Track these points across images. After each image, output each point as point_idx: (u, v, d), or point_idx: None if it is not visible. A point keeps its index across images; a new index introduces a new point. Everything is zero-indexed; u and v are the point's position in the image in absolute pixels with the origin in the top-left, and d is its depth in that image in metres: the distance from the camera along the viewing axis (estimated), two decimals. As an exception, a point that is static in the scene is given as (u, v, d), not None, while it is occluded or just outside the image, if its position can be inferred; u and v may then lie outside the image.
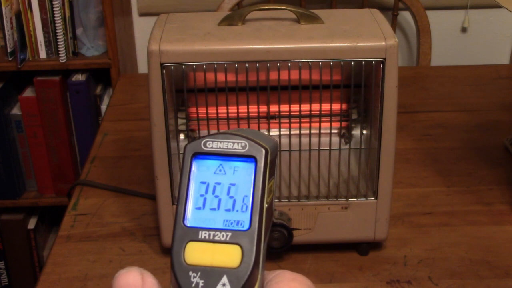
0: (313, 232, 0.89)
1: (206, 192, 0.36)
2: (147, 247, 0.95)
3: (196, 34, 0.82)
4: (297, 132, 0.85)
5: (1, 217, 1.85)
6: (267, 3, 1.04)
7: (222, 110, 0.83)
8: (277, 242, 0.86)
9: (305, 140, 0.85)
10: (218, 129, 0.84)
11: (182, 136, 0.89)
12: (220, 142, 0.36)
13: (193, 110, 0.86)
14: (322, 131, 0.85)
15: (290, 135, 0.85)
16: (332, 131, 0.88)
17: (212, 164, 0.37)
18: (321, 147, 0.85)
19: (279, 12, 0.87)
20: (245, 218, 0.35)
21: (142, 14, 1.93)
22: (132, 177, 1.12)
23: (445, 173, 1.12)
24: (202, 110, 0.84)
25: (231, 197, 0.36)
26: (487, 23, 1.97)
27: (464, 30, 1.98)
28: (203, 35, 0.82)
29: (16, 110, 1.76)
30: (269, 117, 0.88)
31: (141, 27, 1.94)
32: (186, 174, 0.36)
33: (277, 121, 0.86)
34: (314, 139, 0.85)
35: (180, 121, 0.88)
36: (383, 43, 0.79)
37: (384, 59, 0.80)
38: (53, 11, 1.63)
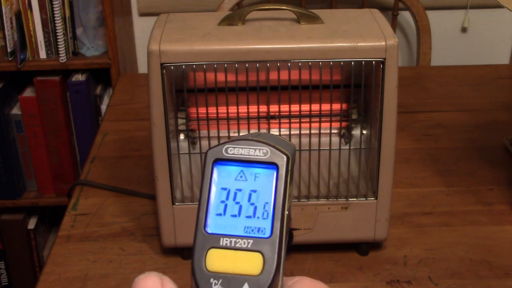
0: (313, 232, 0.89)
1: (227, 198, 0.36)
2: (147, 247, 0.95)
3: (196, 34, 0.82)
4: (297, 132, 0.85)
5: (1, 217, 1.85)
6: (267, 3, 1.04)
7: (222, 110, 0.83)
8: (277, 242, 0.86)
9: (305, 140, 0.85)
10: (218, 129, 0.84)
11: (182, 136, 0.89)
12: (242, 148, 0.36)
13: (193, 110, 0.86)
14: (322, 131, 0.85)
15: (290, 135, 0.85)
16: (332, 131, 0.88)
17: (233, 170, 0.36)
18: (321, 147, 0.85)
19: (279, 12, 0.87)
20: (266, 225, 0.35)
21: (142, 14, 1.93)
22: (132, 177, 1.12)
23: (445, 173, 1.12)
24: (202, 110, 0.84)
25: (252, 204, 0.36)
26: (487, 23, 1.97)
27: (464, 30, 1.98)
28: (203, 35, 0.82)
29: (16, 110, 1.76)
30: (269, 117, 0.88)
31: (141, 27, 1.94)
32: (207, 180, 0.36)
33: (277, 121, 0.86)
34: (314, 139, 0.85)
35: (180, 121, 0.88)
36: (383, 43, 0.79)
37: (384, 59, 0.80)
38: (53, 11, 1.63)
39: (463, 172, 1.12)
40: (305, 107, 0.84)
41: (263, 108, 0.86)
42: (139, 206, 1.04)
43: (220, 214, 0.36)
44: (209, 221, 0.36)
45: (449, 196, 1.06)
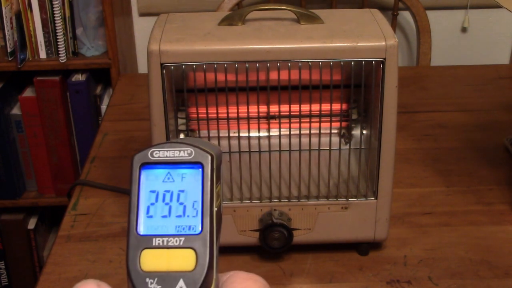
0: (313, 232, 0.89)
1: (156, 200, 0.37)
2: (147, 247, 0.94)
3: (196, 34, 0.82)
4: (297, 132, 0.85)
5: (1, 217, 1.85)
6: (267, 3, 1.04)
7: (222, 110, 0.83)
8: (277, 242, 0.86)
9: (305, 140, 0.85)
10: (218, 129, 0.84)
11: (182, 136, 0.89)
12: (167, 151, 0.37)
13: (193, 110, 0.86)
14: (322, 131, 0.85)
15: (290, 135, 0.85)
16: (332, 131, 0.88)
17: (160, 173, 0.38)
18: (321, 147, 0.85)
19: (279, 12, 0.87)
20: (196, 222, 0.36)
21: (142, 14, 1.93)
22: (132, 177, 1.11)
23: (445, 173, 1.12)
24: (202, 110, 0.84)
25: (181, 204, 0.37)
26: (487, 23, 1.97)
27: (464, 30, 1.98)
28: (203, 35, 0.82)
29: (16, 110, 1.76)
30: (269, 117, 0.88)
31: (141, 27, 1.94)
32: (136, 184, 0.37)
33: (277, 121, 0.86)
34: (314, 139, 0.85)
35: (180, 121, 0.88)
36: (383, 43, 0.79)
37: (384, 59, 0.80)
38: (53, 11, 1.63)
39: (463, 172, 1.12)
40: (305, 107, 0.84)
41: (263, 108, 0.86)
42: (139, 206, 1.04)
43: (151, 216, 0.37)
44: (140, 223, 0.37)
45: (449, 196, 1.06)
